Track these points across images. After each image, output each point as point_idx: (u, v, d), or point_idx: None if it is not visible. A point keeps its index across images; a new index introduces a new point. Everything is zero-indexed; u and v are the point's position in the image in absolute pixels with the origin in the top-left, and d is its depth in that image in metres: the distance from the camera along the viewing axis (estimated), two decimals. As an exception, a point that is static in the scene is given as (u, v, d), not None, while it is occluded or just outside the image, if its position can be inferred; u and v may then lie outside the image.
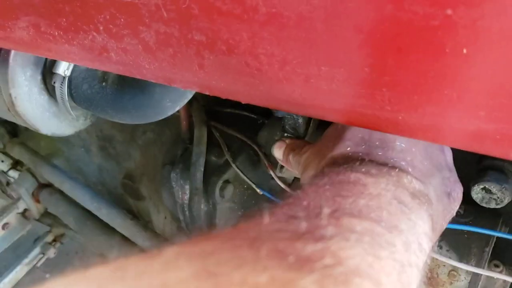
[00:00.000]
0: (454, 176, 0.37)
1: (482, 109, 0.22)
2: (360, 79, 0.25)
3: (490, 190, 0.54)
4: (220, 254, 0.21)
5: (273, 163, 0.67)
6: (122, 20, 0.30)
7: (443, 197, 0.35)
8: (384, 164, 0.32)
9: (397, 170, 0.32)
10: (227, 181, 0.74)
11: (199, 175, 0.72)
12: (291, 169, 0.47)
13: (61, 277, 0.21)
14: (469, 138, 0.24)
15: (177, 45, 0.29)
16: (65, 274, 0.21)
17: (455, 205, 0.36)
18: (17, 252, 1.34)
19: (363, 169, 0.31)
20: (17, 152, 1.19)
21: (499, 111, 0.22)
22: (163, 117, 0.56)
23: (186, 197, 0.77)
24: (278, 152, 0.48)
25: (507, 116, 0.22)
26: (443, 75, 0.22)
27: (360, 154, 0.34)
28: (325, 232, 0.24)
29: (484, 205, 0.55)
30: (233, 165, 0.70)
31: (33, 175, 1.26)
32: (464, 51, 0.20)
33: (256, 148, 0.71)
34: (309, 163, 0.40)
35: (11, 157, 1.23)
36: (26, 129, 0.63)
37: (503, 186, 0.53)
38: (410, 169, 0.33)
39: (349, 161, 0.33)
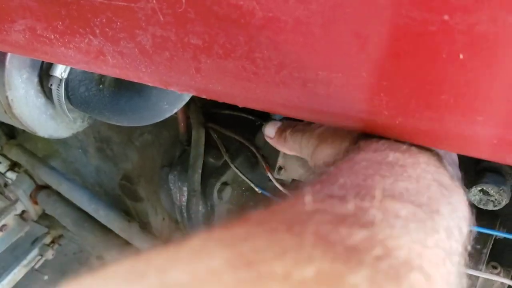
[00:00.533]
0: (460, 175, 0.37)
1: (479, 114, 0.22)
2: (357, 84, 0.25)
3: (488, 192, 0.54)
4: (255, 239, 0.19)
5: (271, 165, 0.67)
6: (118, 23, 0.30)
7: None
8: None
9: (435, 151, 0.30)
10: (225, 183, 0.74)
11: (197, 177, 0.72)
12: (282, 149, 0.43)
13: (76, 279, 0.18)
14: (466, 142, 0.24)
15: (174, 49, 0.29)
16: (81, 276, 0.18)
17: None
18: (15, 254, 1.34)
19: (403, 147, 0.29)
20: (15, 154, 1.19)
21: (496, 116, 0.22)
22: (160, 120, 0.55)
23: (184, 199, 0.77)
24: (270, 129, 0.43)
25: (504, 121, 0.22)
26: (440, 80, 0.22)
27: None
28: (370, 216, 0.22)
29: (481, 207, 0.56)
30: (232, 166, 0.70)
31: (31, 177, 1.25)
32: (461, 56, 0.20)
33: (254, 150, 0.71)
34: (327, 137, 0.35)
35: (8, 159, 1.23)
36: (23, 131, 0.63)
37: (500, 188, 0.53)
38: (442, 153, 0.31)
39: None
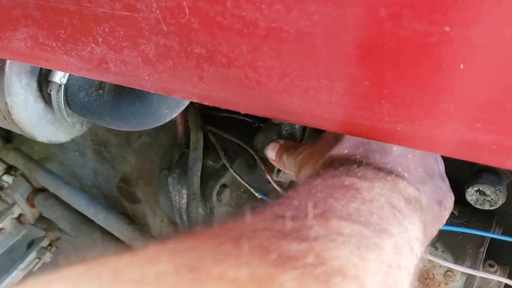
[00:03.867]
0: (446, 185, 0.38)
1: (478, 121, 0.23)
2: (359, 91, 0.25)
3: (484, 192, 0.55)
4: (203, 250, 0.21)
5: (270, 167, 0.67)
6: (121, 32, 0.30)
7: (433, 205, 0.35)
8: (381, 169, 0.32)
9: (393, 175, 0.32)
10: (224, 185, 0.75)
11: (196, 180, 0.72)
12: (284, 169, 0.47)
13: (38, 277, 0.20)
14: (466, 148, 0.25)
15: (177, 58, 0.29)
16: (43, 274, 0.21)
17: (446, 213, 0.37)
18: (13, 258, 1.33)
19: (359, 173, 0.31)
20: (12, 158, 1.18)
21: (495, 123, 0.22)
22: (160, 124, 0.56)
23: (184, 201, 0.77)
24: (271, 152, 0.48)
25: (502, 128, 0.22)
26: (441, 89, 0.22)
27: (358, 156, 0.34)
28: (311, 232, 0.24)
29: (478, 206, 0.56)
30: (231, 170, 0.71)
31: (28, 180, 1.25)
32: (461, 66, 0.21)
33: (252, 152, 0.71)
34: (305, 163, 0.40)
35: (5, 162, 1.22)
36: (20, 134, 0.63)
37: (496, 188, 0.54)
38: (406, 175, 0.33)
39: (346, 163, 0.33)
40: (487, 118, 0.22)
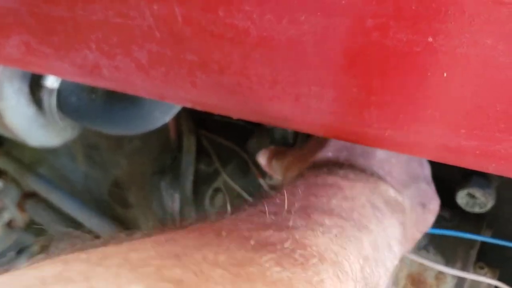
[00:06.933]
0: (431, 189, 0.39)
1: (462, 127, 0.23)
2: (348, 98, 0.26)
3: (474, 195, 0.56)
4: (185, 241, 0.22)
5: (263, 171, 0.68)
6: (114, 39, 0.31)
7: (417, 208, 0.36)
8: (363, 171, 0.33)
9: (375, 177, 0.33)
10: (217, 190, 0.75)
11: (188, 184, 0.73)
12: (272, 174, 0.48)
13: (29, 264, 0.21)
14: (451, 153, 0.26)
15: (170, 64, 0.30)
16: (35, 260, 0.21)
17: (430, 216, 0.38)
18: (3, 263, 1.32)
19: (341, 173, 0.32)
20: (2, 162, 1.17)
21: (478, 129, 0.23)
22: (153, 128, 0.56)
23: (176, 205, 0.77)
24: (262, 158, 0.49)
25: (485, 134, 0.23)
26: (426, 96, 0.23)
27: (341, 160, 0.35)
28: (291, 223, 0.24)
29: (468, 209, 0.57)
30: (224, 175, 0.71)
31: (18, 185, 1.24)
32: (445, 74, 0.21)
33: (245, 156, 0.71)
34: (291, 166, 0.41)
35: (-5, 167, 1.21)
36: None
37: (486, 191, 0.55)
38: (388, 178, 0.34)
39: (329, 165, 0.34)
40: (470, 124, 0.23)
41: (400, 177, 0.35)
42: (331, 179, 0.31)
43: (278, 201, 0.28)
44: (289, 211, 0.26)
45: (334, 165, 0.34)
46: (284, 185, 0.33)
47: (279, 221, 0.25)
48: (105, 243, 0.22)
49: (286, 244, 0.22)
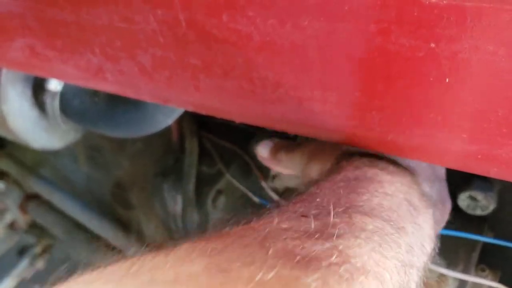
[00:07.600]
0: (446, 188, 0.39)
1: (464, 131, 0.24)
2: (351, 102, 0.26)
3: (476, 198, 0.56)
4: (230, 251, 0.22)
5: (265, 172, 0.68)
6: (118, 43, 0.31)
7: (439, 204, 0.36)
8: (398, 164, 0.32)
9: (410, 170, 0.32)
10: (219, 191, 0.75)
11: (191, 185, 0.73)
12: (276, 168, 0.45)
13: (80, 275, 0.21)
14: (453, 157, 0.26)
15: (174, 68, 0.30)
16: (84, 272, 0.21)
17: (446, 216, 0.38)
18: (5, 265, 1.32)
19: (380, 165, 0.31)
20: (4, 164, 1.18)
21: (479, 133, 0.23)
22: (156, 131, 0.56)
23: (178, 207, 0.77)
24: (263, 150, 0.45)
25: (486, 138, 0.23)
26: (429, 101, 0.23)
27: None
28: (335, 230, 0.24)
29: (470, 212, 0.57)
30: (228, 175, 0.71)
31: (20, 186, 1.24)
32: (447, 80, 0.21)
33: (247, 158, 0.72)
34: (315, 155, 0.38)
35: (-4, 169, 1.22)
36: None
37: (488, 194, 0.55)
38: (419, 170, 0.33)
39: (367, 155, 0.33)
40: (472, 128, 0.23)
41: (427, 171, 0.35)
42: (371, 172, 0.30)
43: (318, 200, 0.27)
44: (330, 215, 0.25)
45: (371, 155, 0.32)
46: (318, 180, 0.32)
47: (322, 227, 0.24)
48: (150, 254, 0.22)
49: (332, 259, 0.22)
